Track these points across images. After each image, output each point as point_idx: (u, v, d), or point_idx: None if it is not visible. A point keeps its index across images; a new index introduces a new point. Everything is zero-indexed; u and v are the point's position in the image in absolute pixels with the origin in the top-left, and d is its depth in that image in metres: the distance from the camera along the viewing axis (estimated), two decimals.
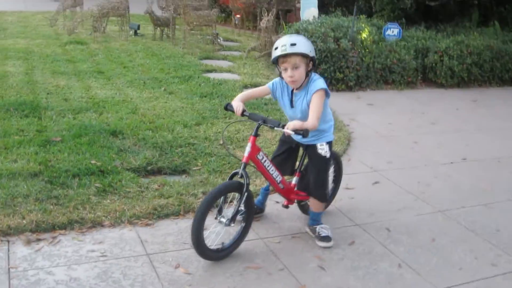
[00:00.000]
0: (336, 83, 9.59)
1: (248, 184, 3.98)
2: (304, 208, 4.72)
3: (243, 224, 4.14)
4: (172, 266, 3.90)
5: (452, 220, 4.99)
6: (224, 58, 11.59)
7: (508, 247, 4.56)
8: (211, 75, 9.69)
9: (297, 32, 9.77)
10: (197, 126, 6.74)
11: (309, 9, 11.75)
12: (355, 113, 8.26)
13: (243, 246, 4.17)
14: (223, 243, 4.05)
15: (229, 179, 4.04)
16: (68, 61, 10.12)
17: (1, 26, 14.32)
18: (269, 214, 4.77)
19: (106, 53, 11.14)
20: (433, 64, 10.58)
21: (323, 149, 4.24)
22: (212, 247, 3.96)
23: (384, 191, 5.52)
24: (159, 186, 5.04)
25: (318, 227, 4.40)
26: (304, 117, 4.02)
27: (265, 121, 4.00)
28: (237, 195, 4.03)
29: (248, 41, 14.04)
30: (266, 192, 4.73)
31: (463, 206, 5.30)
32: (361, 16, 11.13)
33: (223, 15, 18.29)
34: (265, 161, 4.18)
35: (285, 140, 4.44)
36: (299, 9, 13.03)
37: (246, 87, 8.81)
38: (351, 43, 9.62)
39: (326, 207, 4.85)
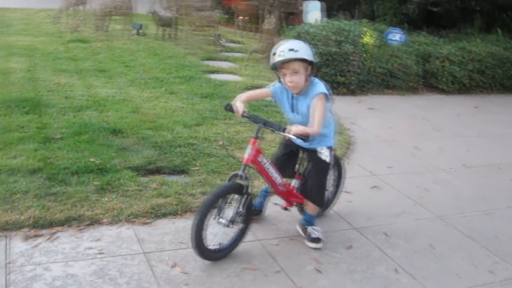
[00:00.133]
0: (337, 87, 9.58)
1: (248, 186, 3.98)
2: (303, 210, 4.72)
3: (241, 226, 4.14)
4: (169, 265, 3.89)
5: (450, 226, 4.98)
6: (226, 59, 11.60)
7: (506, 254, 4.55)
8: (213, 76, 9.71)
9: (299, 35, 9.78)
10: (197, 126, 6.74)
11: (313, 12, 11.77)
12: (355, 117, 8.26)
13: (241, 247, 4.17)
14: (220, 244, 4.04)
15: (228, 181, 4.03)
16: (70, 59, 10.13)
17: (4, 23, 14.33)
18: (268, 216, 4.77)
19: (108, 52, 11.15)
20: (435, 70, 10.60)
21: (324, 154, 4.24)
22: (210, 247, 3.96)
23: (383, 196, 5.52)
24: (157, 185, 5.04)
25: (309, 228, 4.40)
26: (305, 121, 4.02)
27: (266, 124, 3.99)
28: (237, 196, 4.03)
29: (251, 43, 14.05)
30: (266, 194, 4.71)
31: (462, 213, 5.30)
32: (363, 20, 11.13)
33: (226, 16, 18.31)
34: (266, 163, 4.18)
35: (286, 143, 4.44)
36: (302, 12, 13.05)
37: (247, 88, 8.78)
38: (352, 47, 9.62)
39: (324, 210, 4.86)
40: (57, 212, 4.36)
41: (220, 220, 3.93)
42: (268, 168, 4.18)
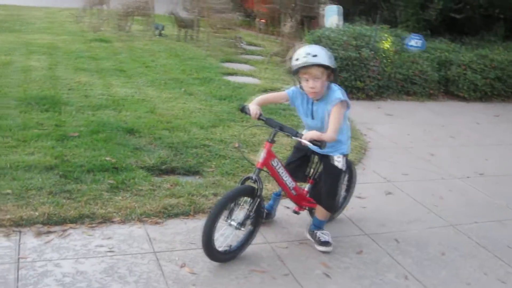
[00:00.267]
0: (356, 92, 9.57)
1: (261, 190, 3.99)
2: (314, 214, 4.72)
3: (251, 228, 4.15)
4: (178, 265, 3.92)
5: (463, 234, 4.95)
6: (246, 62, 11.63)
7: None
8: (232, 78, 9.73)
9: (319, 39, 9.77)
10: (214, 128, 6.77)
11: (332, 17, 11.76)
12: (373, 122, 8.24)
13: (250, 249, 4.18)
14: (230, 246, 4.05)
15: (240, 184, 4.05)
16: (91, 58, 10.24)
17: (28, 21, 14.53)
18: (279, 219, 4.77)
19: (129, 52, 11.25)
20: (456, 77, 10.52)
21: (339, 162, 4.23)
22: (219, 249, 3.97)
23: (397, 202, 5.49)
24: (171, 185, 5.07)
25: (318, 232, 4.40)
26: (323, 127, 4.02)
27: (281, 129, 3.99)
28: (248, 199, 4.04)
29: (271, 46, 14.06)
30: (278, 198, 4.71)
31: (476, 221, 5.25)
32: (384, 26, 11.09)
33: (248, 19, 18.36)
34: (279, 167, 4.19)
35: (300, 148, 4.42)
36: (323, 16, 13.05)
37: (265, 91, 8.77)
38: (372, 52, 9.59)
39: (335, 216, 4.86)
40: (70, 209, 4.41)
41: (231, 222, 3.94)
42: (281, 172, 4.19)
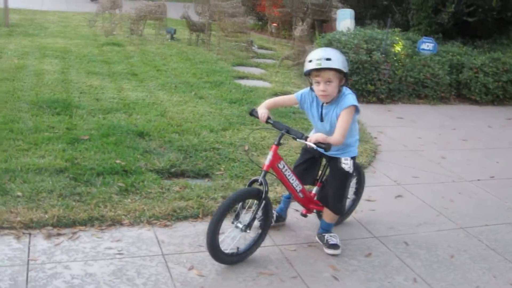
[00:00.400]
0: (367, 95, 9.56)
1: (266, 192, 3.99)
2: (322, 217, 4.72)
3: (259, 231, 4.16)
4: (186, 268, 3.93)
5: (473, 237, 4.93)
6: (257, 65, 11.64)
7: None
8: (243, 82, 9.75)
9: (330, 42, 9.77)
10: (224, 131, 6.79)
11: (345, 21, 11.75)
12: (384, 125, 8.22)
13: (258, 252, 4.19)
14: (238, 248, 4.06)
15: (248, 186, 4.06)
16: (103, 62, 10.31)
17: (42, 25, 14.65)
18: (287, 221, 4.78)
19: (141, 56, 11.31)
20: (468, 81, 10.47)
21: (347, 164, 4.23)
22: (226, 251, 3.98)
23: (406, 205, 5.48)
24: (180, 188, 5.09)
25: (326, 235, 4.40)
26: (333, 130, 4.01)
27: (288, 131, 4.00)
28: (255, 202, 4.05)
29: (283, 50, 14.09)
30: (288, 200, 4.72)
31: (486, 224, 5.23)
32: (395, 29, 11.07)
33: (260, 23, 18.39)
34: (286, 170, 4.19)
35: (308, 150, 4.42)
36: (335, 20, 13.04)
37: (276, 95, 8.80)
38: (383, 55, 9.57)
39: (344, 219, 4.86)
40: (80, 212, 4.44)
41: (237, 224, 3.96)
42: (287, 175, 4.20)
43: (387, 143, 7.38)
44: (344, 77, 4.01)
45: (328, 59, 3.88)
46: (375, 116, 8.69)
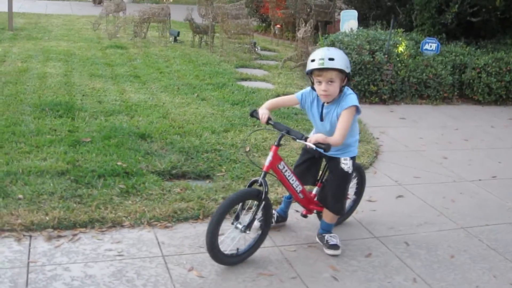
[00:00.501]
0: (369, 96, 9.56)
1: (266, 193, 4.00)
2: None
3: (259, 232, 4.17)
4: (186, 269, 3.95)
5: (474, 237, 4.92)
6: (260, 67, 11.66)
7: None
8: (245, 83, 9.77)
9: (333, 43, 9.77)
10: (225, 132, 6.81)
11: (348, 22, 11.75)
12: (386, 126, 8.22)
13: (258, 252, 4.19)
14: (238, 249, 4.07)
15: (248, 187, 4.07)
16: (106, 65, 10.35)
17: (46, 28, 14.75)
18: (288, 222, 4.79)
19: (144, 58, 11.35)
20: (471, 81, 10.45)
21: (346, 164, 4.23)
22: (226, 252, 3.99)
23: (407, 205, 5.48)
24: (181, 190, 5.10)
25: (327, 235, 4.40)
26: (334, 130, 4.01)
27: (288, 132, 4.00)
28: (255, 202, 4.06)
29: (286, 51, 14.10)
30: (289, 201, 4.72)
31: (487, 224, 5.22)
32: (398, 30, 11.06)
33: (264, 24, 18.42)
34: (286, 170, 4.20)
35: (308, 150, 4.42)
36: (338, 21, 13.04)
37: (278, 96, 8.76)
38: (386, 56, 9.57)
39: (345, 219, 4.87)
40: (81, 214, 4.46)
41: (237, 225, 3.97)
42: (287, 175, 4.20)
43: (389, 143, 7.37)
44: (346, 77, 4.01)
45: (331, 59, 3.87)
46: (377, 117, 8.69)
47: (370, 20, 13.64)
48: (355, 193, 4.93)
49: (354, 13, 11.84)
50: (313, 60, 3.94)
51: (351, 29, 11.01)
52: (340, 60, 3.91)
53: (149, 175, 5.34)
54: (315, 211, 4.63)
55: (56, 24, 15.88)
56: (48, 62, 10.11)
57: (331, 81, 3.94)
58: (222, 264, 3.98)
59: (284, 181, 4.23)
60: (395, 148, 7.21)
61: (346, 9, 14.10)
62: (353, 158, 4.29)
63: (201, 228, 4.49)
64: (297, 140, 3.94)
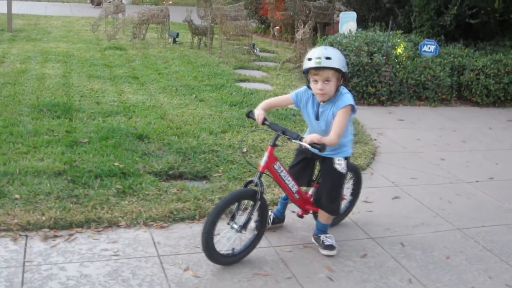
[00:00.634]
0: (367, 97, 9.57)
1: (262, 193, 4.00)
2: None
3: (255, 232, 4.18)
4: (182, 269, 3.95)
5: (470, 238, 4.92)
6: (259, 68, 11.66)
7: None
8: (244, 85, 9.77)
9: (331, 45, 9.77)
10: (223, 133, 6.81)
11: (347, 23, 11.76)
12: (384, 127, 8.22)
13: (254, 253, 4.20)
14: (233, 249, 4.08)
15: (244, 187, 4.08)
16: (105, 66, 10.36)
17: (46, 30, 14.76)
18: (284, 223, 4.79)
19: (143, 60, 11.36)
20: (469, 82, 10.45)
21: (340, 165, 4.23)
22: (222, 252, 4.00)
23: (404, 207, 5.48)
24: (177, 190, 5.11)
25: (322, 236, 4.40)
26: (329, 129, 4.01)
27: (284, 132, 4.01)
28: (251, 202, 4.07)
29: (285, 53, 14.11)
30: (285, 202, 4.71)
31: (483, 225, 5.22)
32: (397, 31, 11.07)
33: (263, 26, 18.44)
34: (282, 171, 4.20)
35: (302, 150, 4.43)
36: (337, 22, 13.05)
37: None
38: (384, 58, 9.58)
39: (341, 220, 4.88)
40: (77, 214, 4.47)
41: (233, 225, 3.98)
42: (283, 176, 4.20)
43: (386, 145, 7.38)
44: (342, 77, 4.01)
45: (328, 58, 3.87)
46: (375, 118, 8.70)
47: (369, 21, 13.63)
48: (351, 194, 4.94)
49: (353, 15, 11.85)
50: (310, 59, 3.94)
51: (350, 30, 11.02)
52: (337, 59, 3.91)
53: (146, 175, 5.34)
54: (311, 212, 4.63)
55: (55, 25, 15.89)
56: (46, 63, 10.13)
57: (328, 80, 3.94)
58: (218, 264, 3.99)
59: (279, 182, 4.24)
60: (392, 150, 7.21)
61: (345, 10, 14.11)
62: (347, 158, 4.29)
63: (197, 228, 4.50)
64: (293, 140, 3.94)
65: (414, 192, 5.83)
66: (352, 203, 4.96)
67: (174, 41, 14.11)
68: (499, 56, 10.70)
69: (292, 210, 4.91)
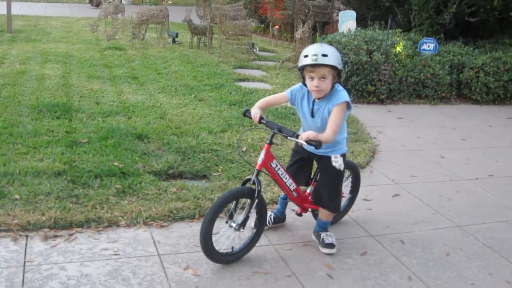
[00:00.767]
0: (367, 96, 9.58)
1: (259, 191, 4.00)
2: (317, 216, 4.73)
3: (254, 231, 4.18)
4: (182, 268, 3.96)
5: (469, 235, 4.93)
6: (258, 67, 11.68)
7: None
8: (243, 84, 9.78)
9: (330, 43, 9.76)
10: (222, 133, 6.82)
11: (346, 22, 11.76)
12: (383, 126, 8.23)
13: (254, 251, 4.21)
14: (232, 248, 4.08)
15: (241, 185, 4.08)
16: (104, 66, 10.38)
17: (45, 30, 14.78)
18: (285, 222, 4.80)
19: (143, 60, 11.38)
20: (469, 80, 10.46)
21: (337, 162, 4.23)
22: (221, 251, 4.00)
23: (403, 204, 5.49)
24: (177, 189, 5.11)
25: (323, 234, 4.41)
26: (324, 126, 4.01)
27: (280, 130, 4.01)
28: (248, 201, 4.07)
29: (284, 52, 14.12)
30: (285, 202, 4.71)
31: (483, 222, 5.23)
32: (396, 30, 11.07)
33: (262, 25, 18.44)
34: (279, 168, 4.19)
35: (297, 150, 4.45)
36: (337, 21, 13.06)
37: None
38: (384, 56, 9.58)
39: (340, 218, 4.88)
40: (77, 214, 4.48)
41: (231, 223, 3.98)
42: (280, 174, 4.20)
43: (386, 143, 7.39)
44: (337, 74, 4.02)
45: (324, 55, 3.86)
46: (375, 117, 8.71)
47: (368, 20, 13.64)
48: (350, 192, 4.95)
49: (352, 14, 11.85)
50: (306, 56, 3.93)
51: (349, 29, 11.03)
52: (333, 56, 3.91)
53: (146, 175, 5.35)
54: (310, 210, 4.64)
55: (55, 26, 15.91)
56: (46, 64, 10.15)
57: (324, 77, 3.94)
58: (217, 262, 3.99)
59: (277, 179, 4.23)
60: (392, 148, 7.22)
61: (345, 9, 14.11)
62: (343, 155, 4.29)
63: (197, 228, 4.45)
64: (289, 137, 3.94)
65: (413, 190, 5.84)
66: (351, 201, 4.97)
67: (174, 41, 14.13)
68: (498, 54, 10.71)
69: (291, 208, 4.91)
